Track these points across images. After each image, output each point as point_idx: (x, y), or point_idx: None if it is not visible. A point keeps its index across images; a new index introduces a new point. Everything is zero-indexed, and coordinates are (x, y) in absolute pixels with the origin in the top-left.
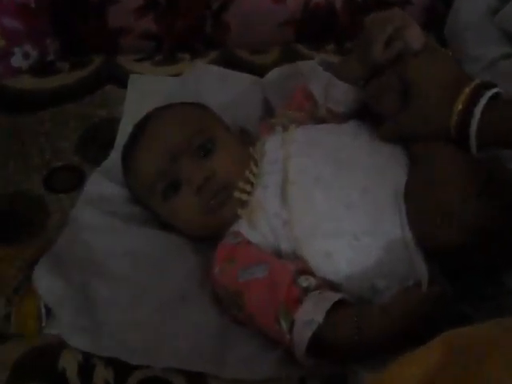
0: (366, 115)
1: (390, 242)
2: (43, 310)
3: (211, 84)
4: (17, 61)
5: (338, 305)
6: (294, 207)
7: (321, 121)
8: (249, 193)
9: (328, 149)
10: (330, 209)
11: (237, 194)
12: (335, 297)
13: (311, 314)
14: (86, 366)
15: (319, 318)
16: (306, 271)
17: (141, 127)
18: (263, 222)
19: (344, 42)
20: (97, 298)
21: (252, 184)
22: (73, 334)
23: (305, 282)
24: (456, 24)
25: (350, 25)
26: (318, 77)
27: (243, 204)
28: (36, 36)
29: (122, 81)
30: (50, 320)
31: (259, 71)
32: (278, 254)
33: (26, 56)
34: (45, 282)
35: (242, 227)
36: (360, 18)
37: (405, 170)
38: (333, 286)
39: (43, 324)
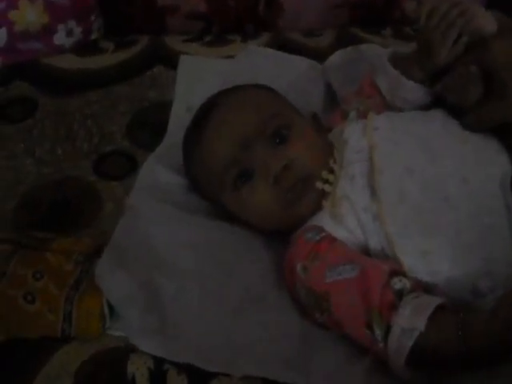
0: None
1: (496, 238)
2: (107, 309)
3: (267, 67)
4: (60, 38)
5: (437, 310)
6: (385, 199)
7: (397, 109)
8: (331, 183)
9: (416, 136)
10: (426, 201)
11: (319, 185)
12: (435, 301)
13: (411, 320)
14: (158, 372)
15: (420, 325)
16: (399, 272)
17: (207, 111)
18: (350, 217)
19: (401, 26)
20: (163, 297)
21: (333, 173)
22: (142, 336)
23: (398, 283)
24: None
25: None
26: (386, 73)
27: (325, 196)
28: (81, 12)
29: (170, 62)
30: (114, 320)
31: (313, 55)
32: (366, 251)
33: (69, 33)
34: (109, 278)
35: (325, 222)
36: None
37: (507, 158)
38: (427, 288)
39: (107, 325)
